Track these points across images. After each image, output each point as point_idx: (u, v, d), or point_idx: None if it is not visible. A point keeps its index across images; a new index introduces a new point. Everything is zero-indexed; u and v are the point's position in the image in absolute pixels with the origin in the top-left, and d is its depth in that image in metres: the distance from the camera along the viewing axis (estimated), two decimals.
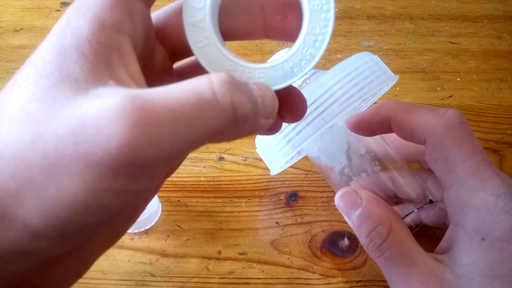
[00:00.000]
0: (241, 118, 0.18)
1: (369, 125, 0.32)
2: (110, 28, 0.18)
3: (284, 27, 0.24)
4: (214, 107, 0.17)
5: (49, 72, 0.17)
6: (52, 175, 0.16)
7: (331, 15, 0.21)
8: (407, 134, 0.31)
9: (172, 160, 0.17)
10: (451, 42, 0.59)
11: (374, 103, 0.40)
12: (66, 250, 0.18)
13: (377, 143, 0.35)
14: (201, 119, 0.17)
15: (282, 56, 0.22)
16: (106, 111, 0.16)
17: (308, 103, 0.32)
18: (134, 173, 0.16)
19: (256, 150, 0.37)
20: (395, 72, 0.34)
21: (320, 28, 0.21)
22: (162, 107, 0.16)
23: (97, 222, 0.17)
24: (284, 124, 0.32)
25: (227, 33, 0.24)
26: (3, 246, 0.16)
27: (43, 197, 0.16)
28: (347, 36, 0.61)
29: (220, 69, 0.21)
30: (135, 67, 0.19)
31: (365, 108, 0.35)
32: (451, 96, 0.53)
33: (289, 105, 0.24)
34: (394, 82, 0.35)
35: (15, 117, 0.17)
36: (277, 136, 0.33)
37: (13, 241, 0.16)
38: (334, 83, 0.31)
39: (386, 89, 0.37)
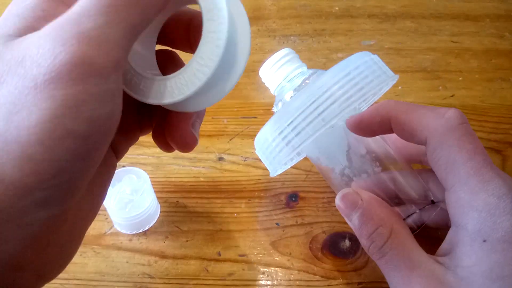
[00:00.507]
0: None
1: (369, 126, 0.32)
2: (56, 1, 0.20)
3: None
4: None
5: None
6: (12, 115, 0.17)
7: (219, 52, 0.20)
8: (408, 135, 0.31)
9: (107, 49, 0.18)
10: (452, 41, 0.59)
11: (374, 102, 0.40)
12: (51, 212, 0.18)
13: (377, 143, 0.35)
14: (105, 6, 0.18)
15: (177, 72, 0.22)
16: (38, 37, 0.18)
17: (308, 104, 0.31)
18: (79, 73, 0.17)
19: (255, 151, 0.37)
20: (396, 71, 0.34)
21: (207, 60, 0.21)
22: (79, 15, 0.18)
23: (67, 156, 0.17)
24: (283, 125, 0.32)
25: (159, 38, 0.26)
26: None
27: (10, 141, 0.16)
28: (348, 35, 0.60)
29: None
30: None
31: (366, 108, 0.35)
32: (453, 95, 0.53)
33: (176, 137, 0.26)
34: (394, 82, 0.35)
35: None
36: (276, 137, 0.33)
37: None
38: (333, 83, 0.31)
39: (386, 88, 0.37)
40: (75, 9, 0.18)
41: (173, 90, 0.21)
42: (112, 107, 0.19)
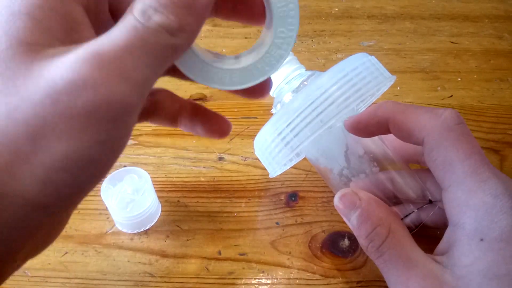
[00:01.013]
0: (171, 33, 0.19)
1: (367, 126, 0.32)
2: None
3: (232, 11, 0.26)
4: (150, 37, 0.18)
5: None
6: (39, 139, 0.17)
7: (296, 20, 0.23)
8: (405, 135, 0.31)
9: (142, 89, 0.18)
10: (451, 42, 0.59)
11: (373, 103, 0.40)
12: (54, 219, 0.19)
13: (375, 144, 0.35)
14: (148, 46, 0.18)
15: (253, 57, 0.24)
16: (70, 67, 0.17)
17: (306, 105, 0.32)
18: (115, 113, 0.17)
19: (255, 152, 0.37)
20: (395, 72, 0.34)
21: (287, 31, 0.23)
22: (116, 49, 0.18)
23: (87, 179, 0.18)
24: (282, 126, 0.32)
25: None
26: (3, 225, 0.17)
27: (35, 164, 0.17)
28: (348, 35, 0.61)
29: (197, 73, 0.23)
30: (90, 34, 0.20)
31: (364, 109, 0.35)
32: (451, 96, 0.53)
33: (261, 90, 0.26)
34: (391, 83, 0.35)
35: None
36: (275, 138, 0.33)
37: (12, 218, 0.17)
38: (331, 84, 0.31)
39: (383, 89, 0.37)
40: (117, 41, 0.18)
41: (263, 67, 0.23)
42: (129, 137, 0.20)
